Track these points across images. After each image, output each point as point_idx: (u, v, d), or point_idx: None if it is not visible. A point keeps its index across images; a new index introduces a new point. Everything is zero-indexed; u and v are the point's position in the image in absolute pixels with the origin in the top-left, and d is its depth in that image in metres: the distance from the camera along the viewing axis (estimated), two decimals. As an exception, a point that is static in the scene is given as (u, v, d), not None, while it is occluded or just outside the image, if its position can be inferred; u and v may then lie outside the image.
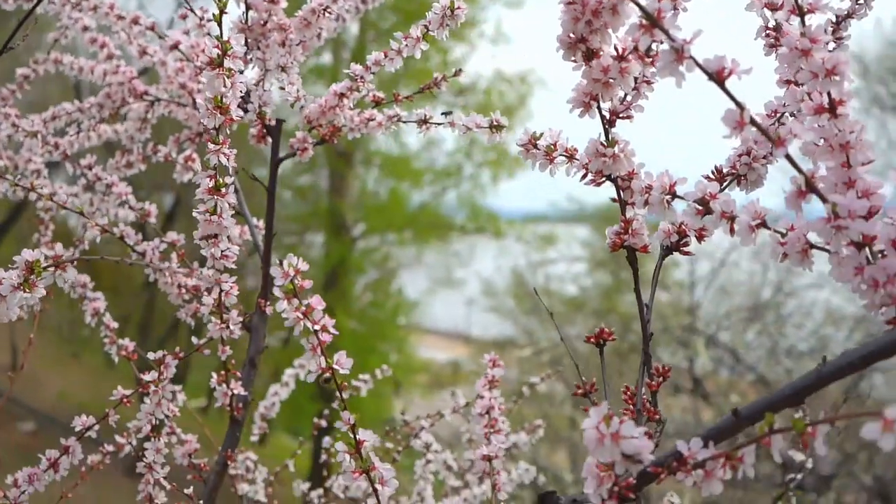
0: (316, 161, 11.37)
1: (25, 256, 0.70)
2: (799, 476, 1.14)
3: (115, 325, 1.14)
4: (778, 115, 0.74)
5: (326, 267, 10.92)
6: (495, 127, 0.87)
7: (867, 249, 0.54)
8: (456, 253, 12.09)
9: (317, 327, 0.65)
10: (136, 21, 1.12)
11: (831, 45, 0.76)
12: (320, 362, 0.66)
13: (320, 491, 1.35)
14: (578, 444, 6.76)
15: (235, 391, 1.01)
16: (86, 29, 1.23)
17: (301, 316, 0.65)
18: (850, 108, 0.58)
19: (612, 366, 7.21)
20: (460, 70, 1.06)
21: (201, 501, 0.98)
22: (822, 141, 0.59)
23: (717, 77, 0.54)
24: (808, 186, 0.55)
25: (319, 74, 9.00)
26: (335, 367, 0.66)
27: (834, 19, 0.78)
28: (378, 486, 0.68)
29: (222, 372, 1.00)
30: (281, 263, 0.64)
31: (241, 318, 0.95)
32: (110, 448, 1.08)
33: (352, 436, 0.68)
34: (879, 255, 0.55)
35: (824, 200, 0.54)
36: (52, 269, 0.69)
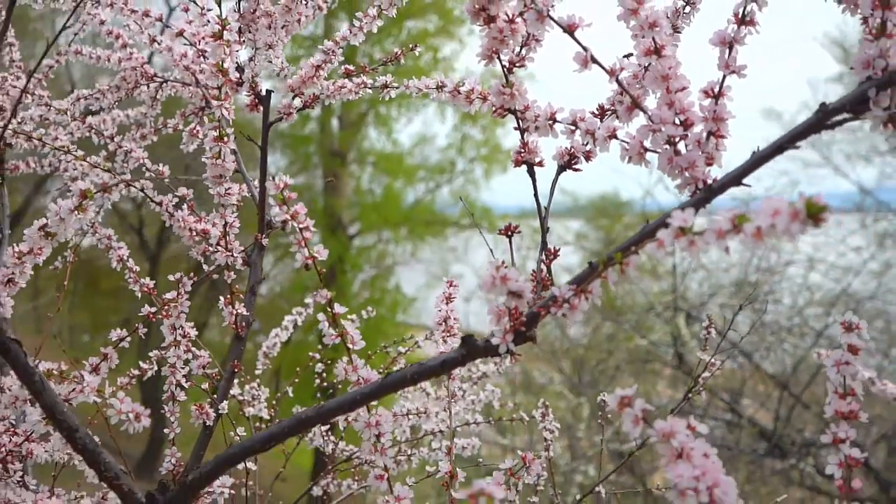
0: (310, 161, 11.61)
1: (79, 186, 0.93)
2: (702, 381, 1.37)
3: (136, 268, 1.37)
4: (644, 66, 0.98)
5: (323, 265, 11.13)
6: (440, 87, 1.10)
7: (676, 147, 0.78)
8: (452, 248, 12.31)
9: (301, 225, 0.88)
10: (146, 14, 1.35)
11: (688, 9, 0.99)
12: (304, 253, 0.90)
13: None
14: (576, 433, 7.01)
15: (240, 311, 1.24)
16: (102, 23, 1.46)
17: (289, 217, 0.88)
18: (671, 50, 0.81)
19: (601, 346, 7.45)
20: (416, 45, 1.30)
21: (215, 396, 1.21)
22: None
23: (569, 29, 0.77)
24: (634, 104, 0.78)
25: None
26: (315, 254, 0.90)
27: None
28: (350, 346, 0.92)
29: (228, 295, 1.23)
30: (273, 179, 0.88)
31: (242, 248, 1.18)
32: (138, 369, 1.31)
33: (329, 309, 0.92)
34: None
35: (645, 112, 0.78)
36: (100, 193, 0.93)
